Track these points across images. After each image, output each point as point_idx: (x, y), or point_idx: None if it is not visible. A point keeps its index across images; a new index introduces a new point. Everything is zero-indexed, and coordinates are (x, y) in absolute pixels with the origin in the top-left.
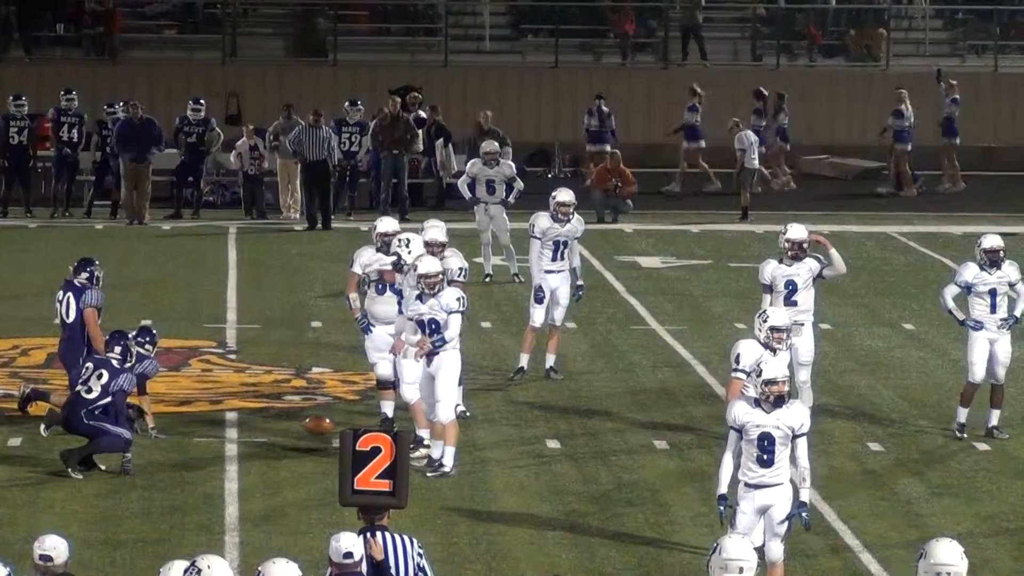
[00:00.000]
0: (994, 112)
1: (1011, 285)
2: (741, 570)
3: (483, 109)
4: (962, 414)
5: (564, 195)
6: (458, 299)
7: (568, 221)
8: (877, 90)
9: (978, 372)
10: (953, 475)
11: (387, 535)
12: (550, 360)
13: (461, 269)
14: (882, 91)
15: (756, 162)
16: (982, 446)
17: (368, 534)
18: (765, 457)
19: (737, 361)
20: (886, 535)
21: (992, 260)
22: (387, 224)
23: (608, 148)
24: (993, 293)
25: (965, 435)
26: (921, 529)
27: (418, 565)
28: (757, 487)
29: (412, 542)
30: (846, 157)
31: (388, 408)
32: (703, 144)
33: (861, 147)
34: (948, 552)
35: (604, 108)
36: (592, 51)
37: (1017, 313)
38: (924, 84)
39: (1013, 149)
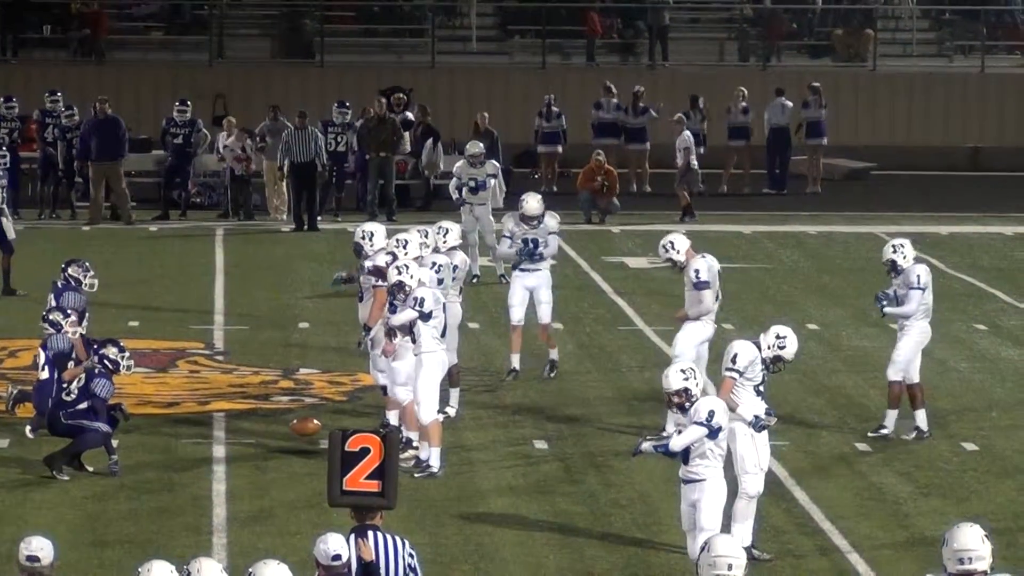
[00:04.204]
0: (981, 113)
1: (909, 287)
2: (730, 567)
3: (470, 110)
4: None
5: (531, 207)
6: (416, 299)
7: (536, 227)
8: (864, 91)
9: (889, 372)
10: (940, 475)
11: (378, 535)
12: (553, 354)
13: (455, 267)
14: (869, 92)
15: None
16: (969, 446)
17: (359, 534)
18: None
19: (733, 361)
20: (874, 535)
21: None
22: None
23: (560, 149)
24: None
25: (925, 435)
26: (909, 529)
27: (409, 566)
28: (684, 481)
29: (404, 543)
30: (834, 157)
31: (392, 416)
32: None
33: (848, 147)
34: (969, 536)
35: (554, 108)
36: (567, 52)
37: (887, 307)
38: (912, 85)
39: (1000, 150)
